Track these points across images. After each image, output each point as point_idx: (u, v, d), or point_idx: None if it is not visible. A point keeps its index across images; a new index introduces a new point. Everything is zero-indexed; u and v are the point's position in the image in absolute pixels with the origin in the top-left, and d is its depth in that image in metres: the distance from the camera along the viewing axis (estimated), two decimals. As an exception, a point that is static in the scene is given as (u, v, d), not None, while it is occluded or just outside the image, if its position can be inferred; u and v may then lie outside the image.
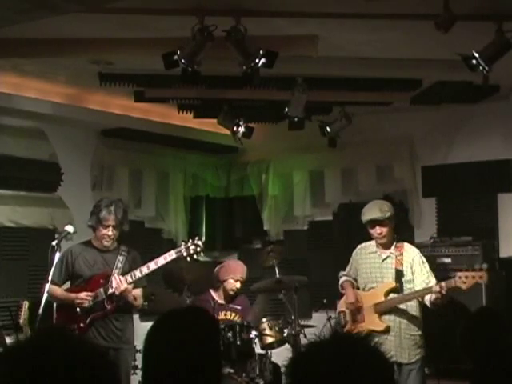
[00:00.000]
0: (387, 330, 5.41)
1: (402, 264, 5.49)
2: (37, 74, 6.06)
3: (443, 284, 5.21)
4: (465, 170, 7.25)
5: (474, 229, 6.95)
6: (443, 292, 5.18)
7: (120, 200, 5.75)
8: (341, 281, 5.83)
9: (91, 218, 5.50)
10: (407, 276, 5.47)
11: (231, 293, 6.42)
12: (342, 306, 5.80)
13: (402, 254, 5.52)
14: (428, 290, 5.31)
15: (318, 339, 1.68)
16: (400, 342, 5.39)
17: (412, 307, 5.47)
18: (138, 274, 5.34)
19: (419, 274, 5.45)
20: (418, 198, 7.55)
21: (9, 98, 6.17)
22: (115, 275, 5.34)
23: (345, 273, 5.85)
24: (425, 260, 5.56)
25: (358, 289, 5.74)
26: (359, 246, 5.81)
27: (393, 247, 5.58)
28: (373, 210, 5.55)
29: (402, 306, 5.47)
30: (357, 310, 5.62)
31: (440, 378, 6.29)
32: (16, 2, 3.96)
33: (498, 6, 4.45)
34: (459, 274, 5.21)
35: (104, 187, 7.30)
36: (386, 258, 5.57)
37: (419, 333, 5.49)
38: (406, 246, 5.62)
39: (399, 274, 5.48)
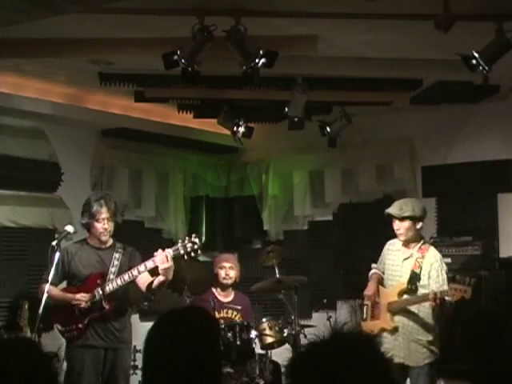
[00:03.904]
0: (395, 331, 5.41)
1: (420, 267, 5.42)
2: (37, 74, 6.06)
3: (437, 293, 5.18)
4: (465, 170, 7.25)
5: (474, 229, 6.95)
6: (436, 301, 5.16)
7: (108, 193, 5.74)
8: (370, 272, 5.80)
9: (83, 215, 5.46)
10: (423, 280, 5.39)
11: (224, 282, 6.48)
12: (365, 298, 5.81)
13: (423, 257, 5.46)
14: (426, 297, 5.29)
15: (318, 339, 1.68)
16: (408, 345, 5.37)
17: (424, 312, 5.39)
18: (135, 272, 5.31)
19: (434, 281, 5.36)
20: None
21: (9, 98, 6.17)
22: (160, 251, 5.29)
23: (375, 265, 5.82)
24: (444, 267, 5.46)
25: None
26: (389, 242, 5.74)
27: (416, 248, 5.52)
28: (394, 206, 5.55)
29: (414, 310, 5.41)
30: (376, 306, 5.63)
31: (440, 377, 6.29)
32: (16, 1, 3.96)
33: (498, 6, 4.45)
34: (451, 285, 5.19)
35: (104, 187, 7.30)
36: (406, 258, 5.52)
37: (429, 338, 5.39)
38: (431, 249, 5.54)
39: (414, 277, 5.41)
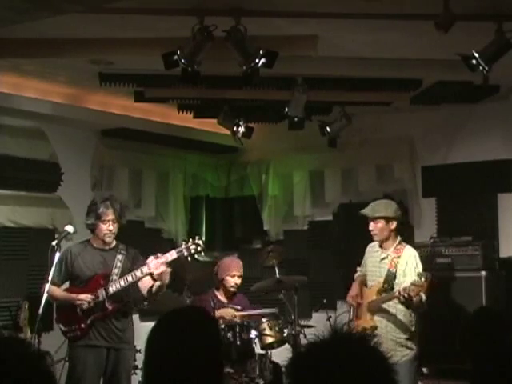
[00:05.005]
0: (374, 329, 5.50)
1: (395, 266, 5.59)
2: (37, 74, 6.06)
3: (400, 290, 5.32)
4: (465, 170, 7.25)
5: (474, 229, 6.95)
6: (401, 298, 5.32)
7: (113, 195, 5.77)
8: (355, 275, 6.00)
9: (89, 216, 5.47)
10: (399, 279, 5.57)
11: (232, 289, 6.43)
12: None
13: (399, 257, 5.61)
14: (393, 295, 5.43)
15: (318, 339, 1.68)
16: (386, 343, 5.43)
17: (399, 310, 5.53)
18: (138, 274, 5.33)
19: (408, 277, 5.51)
20: (417, 198, 7.55)
21: (9, 98, 6.17)
22: (151, 257, 5.31)
23: (359, 268, 6.00)
24: (419, 264, 5.58)
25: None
26: (369, 245, 5.92)
27: (392, 248, 5.65)
28: (369, 207, 5.77)
29: (390, 309, 5.55)
30: (360, 306, 5.73)
31: (440, 378, 6.30)
32: (16, 1, 3.96)
33: (498, 6, 4.45)
34: (412, 281, 5.32)
35: (104, 187, 7.30)
36: (383, 258, 5.69)
37: (405, 336, 5.53)
38: (406, 248, 5.69)
39: (390, 276, 5.58)
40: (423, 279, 5.26)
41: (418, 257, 5.65)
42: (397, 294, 5.35)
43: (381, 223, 5.66)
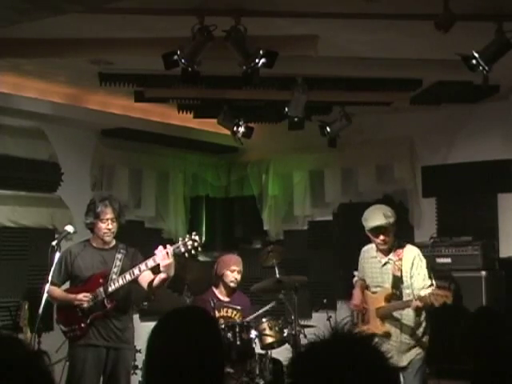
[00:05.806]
0: (387, 335, 5.44)
1: (400, 270, 5.49)
2: (37, 74, 6.06)
3: (419, 300, 5.25)
4: (465, 170, 7.25)
5: (474, 229, 6.94)
6: (420, 306, 5.28)
7: (112, 194, 5.78)
8: (354, 280, 5.94)
9: (88, 215, 5.48)
10: (406, 282, 5.49)
11: (232, 285, 6.44)
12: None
13: (400, 260, 5.51)
14: (408, 303, 5.37)
15: (318, 339, 1.68)
16: (400, 347, 5.43)
17: (406, 315, 5.50)
18: (136, 271, 5.33)
19: (416, 279, 5.46)
20: (418, 198, 7.55)
21: (9, 98, 6.17)
22: (160, 248, 5.30)
23: (357, 273, 5.93)
24: (423, 263, 5.53)
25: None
26: (363, 249, 5.84)
27: (392, 252, 5.57)
28: (377, 217, 5.49)
29: (402, 314, 5.51)
30: (364, 311, 5.69)
31: (440, 378, 6.29)
32: (16, 1, 3.96)
33: (498, 6, 4.45)
34: (434, 291, 5.25)
35: (104, 187, 7.30)
36: (385, 264, 5.59)
37: (418, 336, 5.52)
38: (406, 249, 5.59)
39: (397, 281, 5.50)
40: (447, 289, 5.20)
41: (422, 254, 5.61)
42: (414, 304, 5.27)
43: (393, 231, 5.50)
